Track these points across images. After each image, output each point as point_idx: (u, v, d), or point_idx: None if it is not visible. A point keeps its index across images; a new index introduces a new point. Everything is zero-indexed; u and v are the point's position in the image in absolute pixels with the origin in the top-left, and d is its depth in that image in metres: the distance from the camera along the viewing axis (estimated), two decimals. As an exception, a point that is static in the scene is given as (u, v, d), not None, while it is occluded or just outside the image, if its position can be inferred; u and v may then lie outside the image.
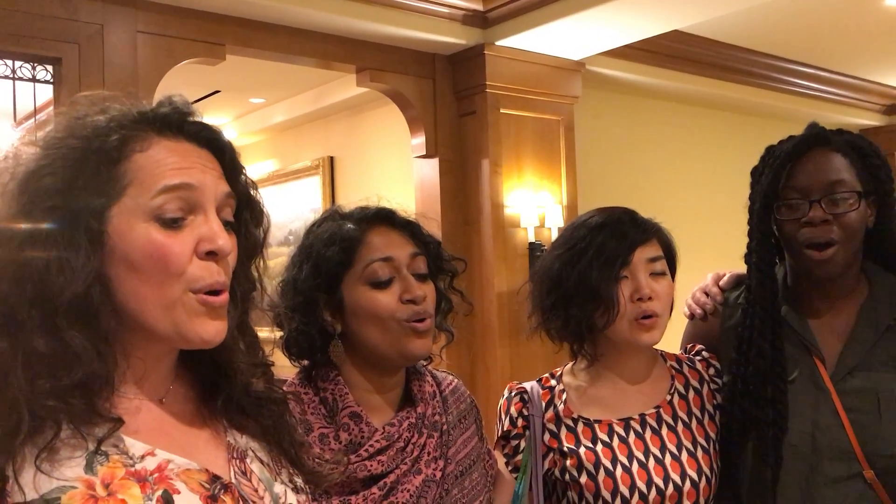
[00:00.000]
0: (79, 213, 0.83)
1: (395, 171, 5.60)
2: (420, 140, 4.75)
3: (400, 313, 1.30)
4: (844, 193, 1.47)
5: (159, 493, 0.83)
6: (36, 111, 3.64)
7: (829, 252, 1.47)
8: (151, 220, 0.86)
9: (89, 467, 0.81)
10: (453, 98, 4.80)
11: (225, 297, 0.91)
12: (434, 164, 4.75)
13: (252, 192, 0.99)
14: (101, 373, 0.83)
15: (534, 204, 4.71)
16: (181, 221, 0.87)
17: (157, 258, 0.85)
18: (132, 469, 0.83)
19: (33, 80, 3.55)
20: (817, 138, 1.53)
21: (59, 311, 0.81)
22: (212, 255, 0.88)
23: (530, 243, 4.69)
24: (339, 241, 1.33)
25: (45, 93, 3.63)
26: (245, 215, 0.98)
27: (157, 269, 0.85)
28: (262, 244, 1.01)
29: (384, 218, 1.37)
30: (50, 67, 3.57)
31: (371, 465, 1.27)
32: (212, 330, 0.89)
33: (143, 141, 0.88)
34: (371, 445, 1.28)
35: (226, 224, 0.92)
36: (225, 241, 0.89)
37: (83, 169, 0.84)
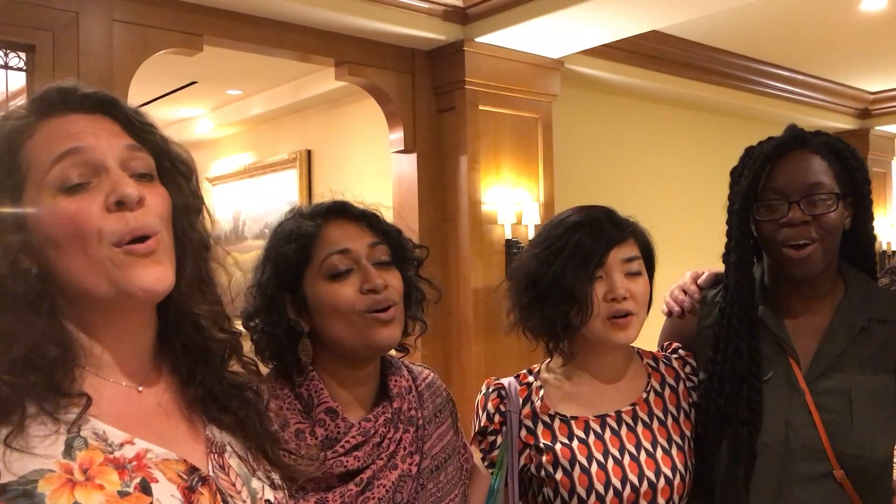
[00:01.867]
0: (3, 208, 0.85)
1: (373, 166, 5.58)
2: (398, 135, 4.74)
3: (360, 304, 1.29)
4: (823, 195, 1.49)
5: (137, 480, 0.83)
6: (8, 99, 3.58)
7: (807, 251, 1.48)
8: (56, 193, 0.86)
9: (68, 452, 0.81)
10: (432, 93, 4.79)
11: (151, 242, 0.89)
12: (412, 159, 4.74)
13: (169, 145, 0.98)
14: (52, 352, 0.84)
15: (511, 201, 4.72)
16: (84, 185, 0.87)
17: (69, 224, 0.85)
18: (111, 456, 0.83)
19: (5, 66, 3.48)
20: (797, 140, 1.54)
21: (7, 295, 0.83)
22: (121, 206, 0.87)
23: (507, 240, 4.69)
24: (295, 238, 1.33)
25: (18, 80, 3.57)
26: (166, 166, 0.97)
27: (74, 235, 0.85)
28: (196, 195, 1.00)
29: (339, 211, 1.37)
30: (23, 55, 3.50)
31: (347, 461, 1.26)
32: (149, 277, 0.88)
33: (29, 128, 0.89)
34: (347, 441, 1.28)
35: (145, 176, 0.92)
36: (132, 189, 0.88)
37: None
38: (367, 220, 1.37)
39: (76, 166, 0.87)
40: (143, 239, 0.88)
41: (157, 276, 0.89)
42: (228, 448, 0.98)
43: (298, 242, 1.32)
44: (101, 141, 0.89)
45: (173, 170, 0.97)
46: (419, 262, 1.44)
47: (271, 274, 1.33)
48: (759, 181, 1.53)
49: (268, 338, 1.33)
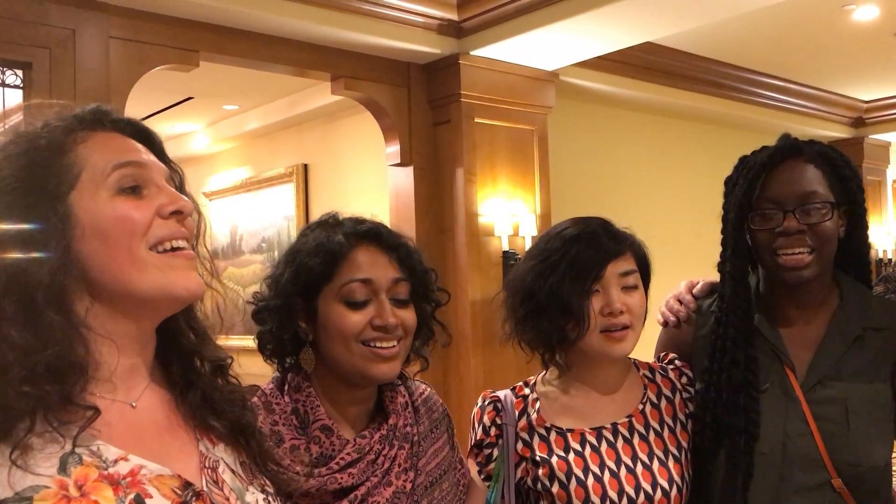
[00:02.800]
0: (38, 205, 0.89)
1: (370, 180, 5.59)
2: (395, 148, 4.75)
3: (366, 335, 1.29)
4: (818, 204, 1.50)
5: (132, 496, 0.84)
6: (4, 116, 3.59)
7: (803, 258, 1.49)
8: (116, 194, 0.93)
9: (63, 468, 0.82)
10: (428, 107, 4.81)
11: (192, 252, 0.98)
12: (408, 172, 4.75)
13: (184, 179, 1.07)
14: (75, 358, 0.86)
15: (507, 213, 4.72)
16: (140, 190, 0.95)
17: (125, 220, 0.92)
18: (105, 472, 0.84)
19: (2, 84, 3.49)
20: (791, 149, 1.55)
21: (34, 298, 0.85)
22: (176, 215, 0.96)
23: (504, 252, 4.70)
24: (322, 253, 1.32)
25: (15, 97, 3.58)
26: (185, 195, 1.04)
27: (125, 231, 0.92)
28: (201, 229, 1.07)
29: (373, 237, 1.35)
30: (20, 72, 3.51)
31: (341, 478, 1.26)
32: (193, 281, 0.96)
33: (81, 134, 0.95)
34: (342, 458, 1.27)
35: None
36: (187, 202, 0.97)
37: (33, 167, 0.91)
38: (399, 252, 1.35)
39: (135, 177, 0.95)
40: (181, 249, 0.96)
41: (198, 280, 0.97)
42: (222, 463, 0.98)
43: (324, 258, 1.31)
44: (152, 161, 0.99)
45: (190, 199, 1.05)
46: (438, 304, 1.43)
47: (291, 278, 1.33)
48: (753, 190, 1.53)
49: (274, 337, 1.34)
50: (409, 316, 1.34)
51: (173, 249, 0.95)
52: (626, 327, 1.49)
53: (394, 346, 1.31)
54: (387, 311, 1.30)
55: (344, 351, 1.30)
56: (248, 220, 6.87)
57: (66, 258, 0.88)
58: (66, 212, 0.89)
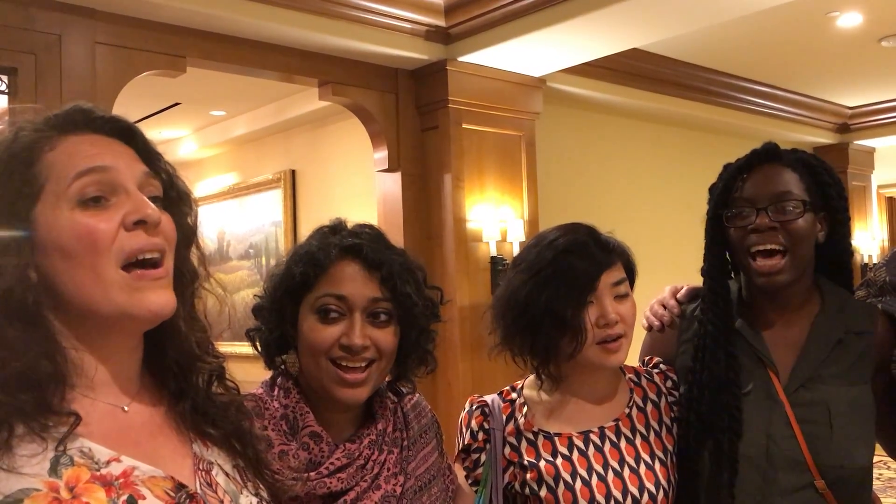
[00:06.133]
0: (4, 220, 0.86)
1: (358, 185, 5.59)
2: (382, 154, 4.75)
3: (333, 352, 1.27)
4: (791, 203, 1.52)
5: (124, 497, 0.83)
6: (-10, 122, 3.57)
7: (775, 260, 1.51)
8: (75, 206, 0.88)
9: (53, 470, 0.81)
10: (416, 113, 4.82)
11: (163, 270, 0.92)
12: (396, 178, 4.76)
13: (176, 177, 1.01)
14: (47, 368, 0.84)
15: (496, 218, 4.73)
16: (103, 201, 0.89)
17: (85, 236, 0.87)
18: (97, 473, 0.83)
19: (-13, 90, 3.48)
20: (768, 154, 1.57)
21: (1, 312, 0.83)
22: (140, 225, 0.90)
23: (492, 257, 4.71)
24: (306, 262, 1.30)
25: (0, 103, 3.56)
26: (172, 196, 1.00)
27: (87, 247, 0.87)
28: (195, 228, 1.02)
29: (357, 252, 1.30)
30: (5, 77, 3.49)
31: (331, 483, 1.26)
32: (158, 300, 0.91)
33: (50, 141, 0.91)
34: (332, 463, 1.27)
35: (155, 200, 0.94)
36: (153, 211, 0.91)
37: (2, 178, 0.87)
38: (382, 271, 1.29)
39: (98, 184, 0.89)
40: (153, 265, 0.91)
41: (164, 300, 0.92)
42: (216, 466, 0.98)
43: (306, 267, 1.30)
44: (122, 163, 0.92)
45: (179, 201, 1.00)
46: (424, 329, 1.35)
47: (279, 281, 1.33)
48: (729, 191, 1.56)
49: (263, 337, 1.35)
50: (384, 337, 1.30)
51: (143, 263, 0.90)
52: (620, 337, 1.49)
53: (359, 372, 1.28)
54: (355, 332, 1.27)
55: (313, 365, 1.30)
56: (236, 226, 6.86)
57: (28, 275, 0.85)
58: (28, 228, 0.86)
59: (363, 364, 1.28)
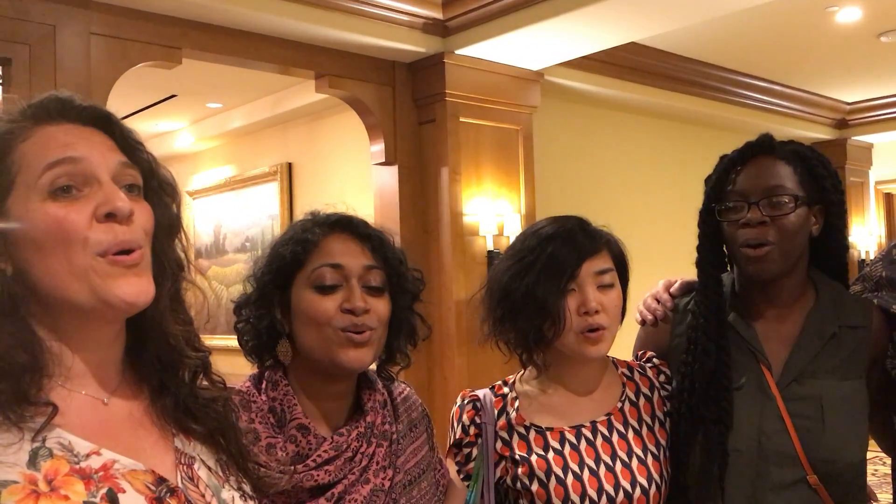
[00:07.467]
0: None
1: (354, 178, 5.58)
2: (379, 147, 4.74)
3: (337, 321, 1.29)
4: (783, 198, 1.51)
5: (104, 490, 0.82)
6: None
7: (763, 251, 1.50)
8: (45, 198, 0.87)
9: (32, 463, 0.80)
10: (413, 106, 4.80)
11: (138, 255, 0.90)
12: (393, 171, 4.75)
13: (157, 166, 1.00)
14: (23, 359, 0.83)
15: (492, 212, 4.72)
16: (73, 191, 0.88)
17: (56, 229, 0.86)
18: (76, 466, 0.83)
19: (-19, 80, 3.46)
20: (762, 146, 1.57)
21: None
22: (111, 217, 0.88)
23: (489, 251, 4.70)
24: (294, 242, 1.33)
25: (-6, 94, 3.55)
26: (153, 185, 0.98)
27: (59, 239, 0.86)
28: (178, 217, 1.01)
29: (345, 225, 1.36)
30: (-1, 68, 3.49)
31: (318, 475, 1.25)
32: (132, 289, 0.89)
33: (24, 132, 0.90)
34: (319, 455, 1.27)
35: (133, 189, 0.93)
36: (124, 203, 0.89)
37: None
38: (372, 241, 1.36)
39: (69, 174, 0.88)
40: (127, 252, 0.89)
41: (139, 288, 0.90)
42: (198, 459, 0.97)
43: (297, 247, 1.33)
44: (96, 153, 0.91)
45: (160, 190, 0.99)
46: (415, 295, 1.42)
47: (266, 269, 1.35)
48: (722, 184, 1.56)
49: (252, 329, 1.35)
50: (381, 305, 1.33)
51: (117, 254, 0.89)
52: (601, 328, 1.49)
53: (366, 333, 1.31)
54: (356, 295, 1.30)
55: (317, 337, 1.30)
56: (232, 219, 6.84)
57: (1, 267, 0.85)
58: (1, 220, 0.86)
59: (366, 330, 1.31)
